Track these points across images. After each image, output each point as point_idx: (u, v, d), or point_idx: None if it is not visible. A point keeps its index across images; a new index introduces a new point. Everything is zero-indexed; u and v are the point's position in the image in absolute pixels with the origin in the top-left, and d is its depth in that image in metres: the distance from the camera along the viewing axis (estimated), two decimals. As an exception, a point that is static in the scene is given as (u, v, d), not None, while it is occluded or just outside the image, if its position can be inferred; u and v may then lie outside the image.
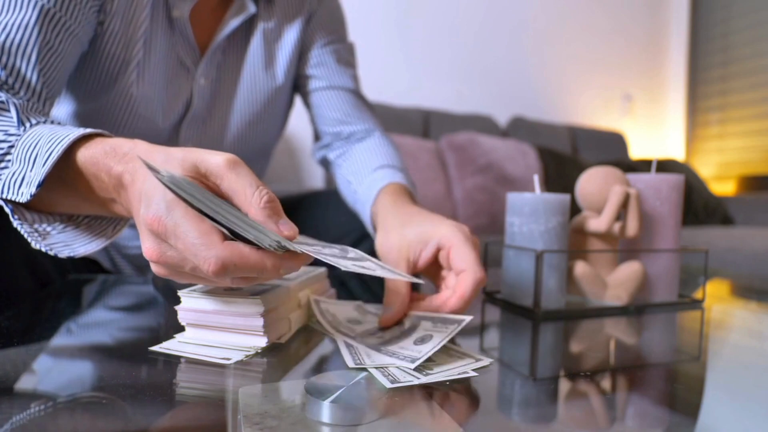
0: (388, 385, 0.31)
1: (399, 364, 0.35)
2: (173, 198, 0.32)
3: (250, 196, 0.34)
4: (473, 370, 0.35)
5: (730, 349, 0.49)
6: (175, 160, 0.35)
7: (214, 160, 0.35)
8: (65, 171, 0.42)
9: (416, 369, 0.34)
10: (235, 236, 0.33)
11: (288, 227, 0.34)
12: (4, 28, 0.52)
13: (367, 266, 0.35)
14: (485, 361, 0.37)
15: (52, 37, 0.55)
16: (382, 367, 0.35)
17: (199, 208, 0.31)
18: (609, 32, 2.88)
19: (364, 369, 0.35)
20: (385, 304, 0.46)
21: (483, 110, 2.49)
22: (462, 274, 0.46)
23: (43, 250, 0.44)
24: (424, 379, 0.33)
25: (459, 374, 0.34)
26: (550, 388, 0.36)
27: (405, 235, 0.50)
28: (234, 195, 0.34)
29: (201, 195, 0.32)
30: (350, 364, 0.36)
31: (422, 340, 0.37)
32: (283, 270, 0.34)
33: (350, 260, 0.35)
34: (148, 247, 0.34)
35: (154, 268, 0.36)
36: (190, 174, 0.34)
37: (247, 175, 0.35)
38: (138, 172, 0.37)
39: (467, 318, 0.39)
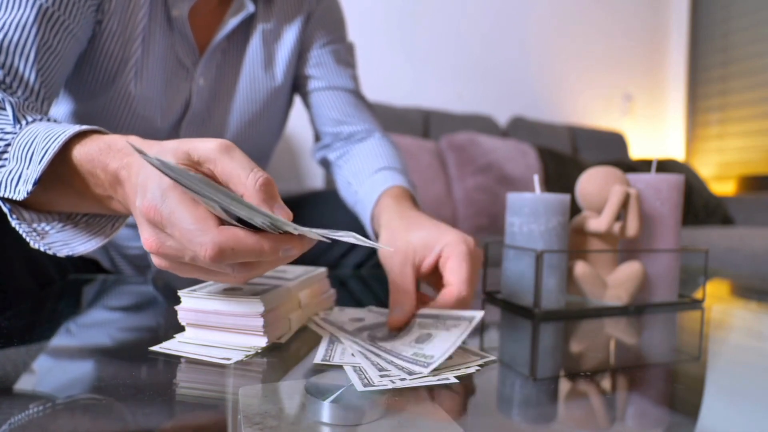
0: (360, 388, 0.30)
1: (411, 368, 0.33)
2: (168, 185, 0.32)
3: (244, 179, 0.33)
4: (456, 377, 0.34)
5: (730, 349, 0.49)
6: (168, 150, 0.34)
7: (206, 146, 0.34)
8: (61, 168, 0.42)
9: (394, 373, 0.33)
10: (238, 221, 0.32)
11: (283, 212, 0.33)
12: (2, 27, 0.52)
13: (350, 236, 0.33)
14: (472, 367, 0.36)
15: (50, 36, 0.55)
16: (355, 366, 0.34)
17: (193, 190, 0.30)
18: (609, 32, 2.88)
19: (333, 367, 0.35)
20: (392, 304, 0.45)
21: (483, 110, 2.49)
22: (446, 289, 0.46)
23: (42, 249, 0.44)
24: (399, 384, 0.31)
25: (438, 381, 0.33)
26: (550, 388, 0.36)
27: (410, 240, 0.49)
28: (229, 179, 0.33)
29: (191, 177, 0.30)
30: (317, 359, 0.36)
31: (423, 340, 0.37)
32: (282, 252, 0.32)
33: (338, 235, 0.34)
34: (146, 238, 0.33)
35: (155, 260, 0.35)
36: (184, 162, 0.34)
37: (241, 158, 0.34)
38: (132, 166, 0.37)
39: (478, 314, 0.37)
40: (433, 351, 0.35)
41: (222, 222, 0.32)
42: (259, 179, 0.33)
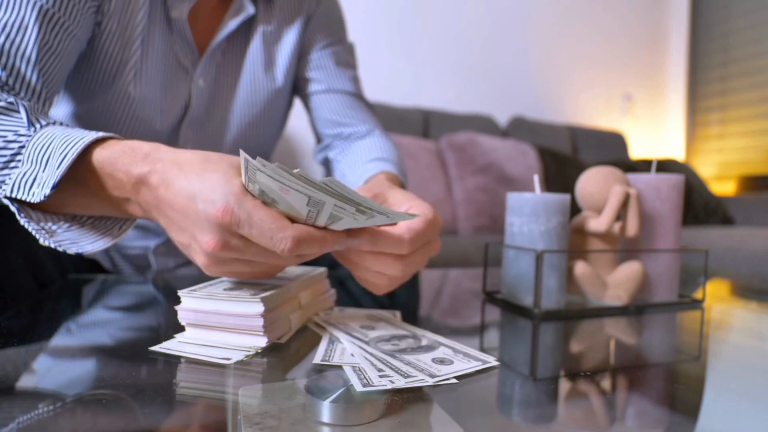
0: (360, 388, 0.30)
1: (416, 375, 0.33)
2: (239, 191, 0.36)
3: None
4: (456, 377, 0.34)
5: (730, 349, 0.49)
6: (219, 162, 0.38)
7: None
8: (78, 171, 0.43)
9: (393, 374, 0.33)
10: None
11: None
12: (3, 29, 0.52)
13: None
14: (472, 368, 0.36)
15: (50, 37, 0.55)
16: (354, 366, 0.34)
17: (309, 189, 0.34)
18: (609, 32, 2.88)
19: (333, 367, 0.35)
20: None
21: (483, 110, 2.49)
22: (390, 229, 0.43)
23: (52, 246, 0.45)
24: (399, 384, 0.31)
25: (436, 382, 0.33)
26: (550, 388, 0.36)
27: (386, 192, 0.49)
28: None
29: (304, 178, 0.34)
30: (317, 359, 0.36)
31: (441, 362, 0.37)
32: (337, 245, 0.39)
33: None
34: (211, 239, 0.36)
35: (204, 259, 0.38)
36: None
37: None
38: (170, 173, 0.39)
39: (492, 360, 0.38)
40: (444, 370, 0.35)
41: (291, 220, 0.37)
42: None
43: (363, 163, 0.74)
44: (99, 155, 0.43)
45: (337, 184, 0.34)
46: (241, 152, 0.36)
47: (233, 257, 0.38)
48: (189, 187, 0.37)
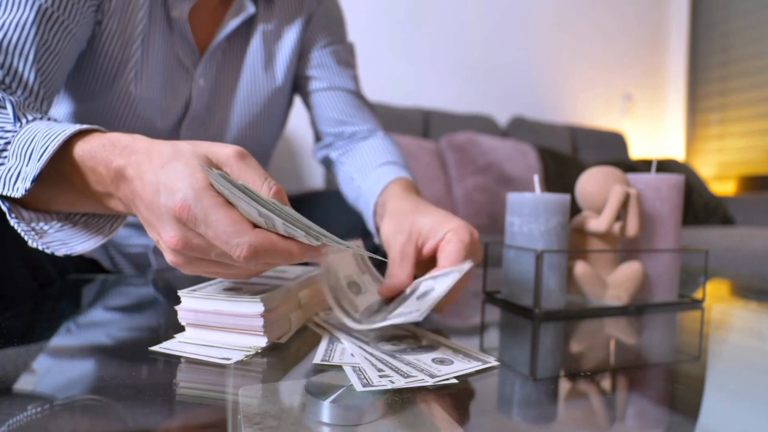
0: (360, 388, 0.30)
1: (416, 375, 0.33)
2: (201, 187, 0.33)
3: (259, 187, 0.35)
4: (456, 377, 0.34)
5: (730, 349, 0.49)
6: (186, 153, 0.35)
7: (224, 152, 0.36)
8: (61, 165, 0.42)
9: (393, 374, 0.33)
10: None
11: None
12: (1, 28, 0.52)
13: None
14: (472, 368, 0.36)
15: (49, 36, 0.55)
16: (354, 366, 0.34)
17: (256, 203, 0.32)
18: (609, 32, 2.88)
19: (333, 367, 0.35)
20: (388, 275, 0.47)
21: (483, 110, 2.49)
22: (446, 243, 0.47)
23: (40, 248, 0.44)
24: (398, 384, 0.31)
25: (436, 382, 0.33)
26: (550, 388, 0.36)
27: (417, 221, 0.50)
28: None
29: (250, 192, 0.33)
30: (317, 359, 0.36)
31: (442, 362, 0.36)
32: (307, 257, 0.35)
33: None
34: (173, 236, 0.34)
35: (170, 256, 0.36)
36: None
37: (256, 166, 0.36)
38: (143, 165, 0.37)
39: (492, 360, 0.37)
40: (443, 369, 0.35)
41: (254, 225, 0.33)
42: (272, 188, 0.36)
43: (374, 167, 0.73)
44: (80, 149, 0.41)
45: (280, 205, 0.32)
46: (193, 153, 0.34)
47: (198, 257, 0.35)
48: (155, 180, 0.35)
